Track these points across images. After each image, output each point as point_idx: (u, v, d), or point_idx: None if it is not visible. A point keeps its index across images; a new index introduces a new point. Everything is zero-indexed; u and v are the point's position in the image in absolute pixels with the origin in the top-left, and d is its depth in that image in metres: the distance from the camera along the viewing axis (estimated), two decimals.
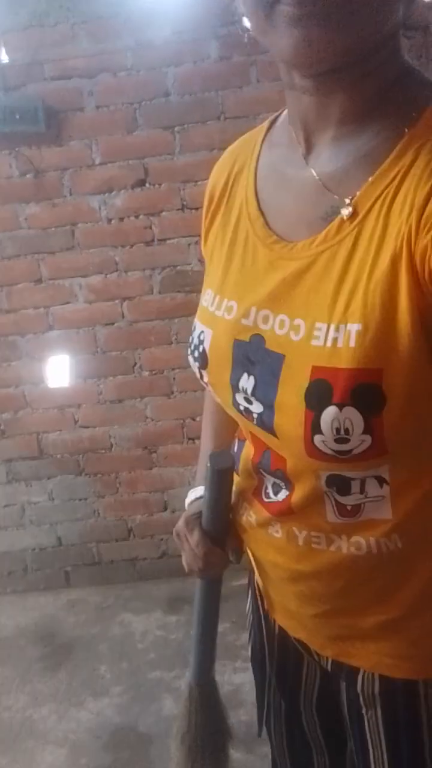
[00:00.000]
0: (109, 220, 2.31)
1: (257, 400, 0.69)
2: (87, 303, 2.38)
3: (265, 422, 0.68)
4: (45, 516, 2.59)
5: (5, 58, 2.14)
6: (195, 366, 0.80)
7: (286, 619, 0.88)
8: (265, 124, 0.81)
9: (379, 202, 0.60)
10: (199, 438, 2.55)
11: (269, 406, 0.67)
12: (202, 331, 0.77)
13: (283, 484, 0.75)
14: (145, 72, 2.19)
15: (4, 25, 2.14)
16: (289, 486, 0.74)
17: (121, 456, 2.53)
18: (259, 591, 0.95)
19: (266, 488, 0.79)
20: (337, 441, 0.62)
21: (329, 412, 0.61)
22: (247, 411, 0.71)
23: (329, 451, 0.63)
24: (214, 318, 0.75)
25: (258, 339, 0.69)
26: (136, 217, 2.31)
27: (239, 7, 0.67)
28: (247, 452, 0.81)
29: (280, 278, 0.67)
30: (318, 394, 0.62)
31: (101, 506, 2.58)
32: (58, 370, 2.42)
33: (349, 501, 0.70)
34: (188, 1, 2.10)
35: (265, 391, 0.67)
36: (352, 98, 0.63)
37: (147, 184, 2.28)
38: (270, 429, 0.68)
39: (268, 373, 0.67)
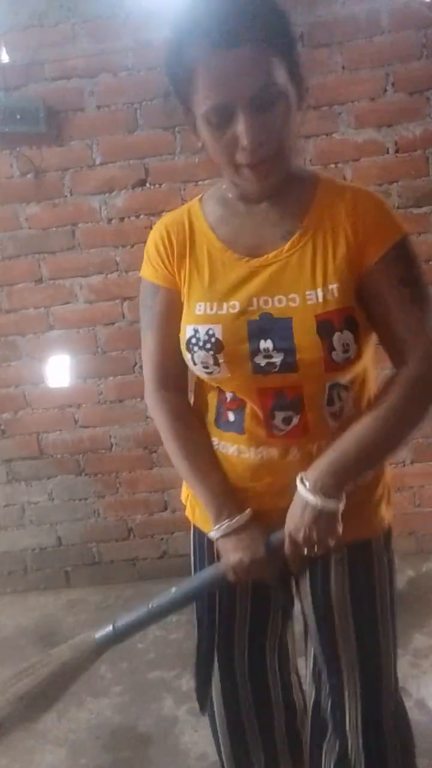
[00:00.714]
0: (110, 220, 2.31)
1: (278, 351, 1.01)
2: (87, 303, 2.38)
3: (289, 363, 1.01)
4: (45, 516, 2.59)
5: (5, 58, 2.14)
6: (208, 354, 1.05)
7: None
8: (195, 202, 1.14)
9: (322, 222, 1.03)
10: None
11: (290, 351, 1.01)
12: (210, 328, 1.05)
13: (294, 413, 1.06)
14: (146, 72, 2.19)
15: (4, 25, 2.14)
16: (300, 411, 1.05)
17: (121, 456, 2.53)
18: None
19: (276, 426, 1.07)
20: (344, 352, 1.01)
21: (336, 337, 1.00)
22: (269, 364, 1.02)
23: (340, 361, 1.01)
24: (219, 316, 1.05)
25: (266, 315, 1.03)
26: (137, 217, 2.31)
27: (207, 147, 1.01)
28: (251, 411, 1.08)
29: (267, 276, 1.04)
30: (325, 329, 1.00)
31: (101, 506, 2.58)
32: (58, 370, 2.42)
33: (335, 406, 1.07)
34: (188, 1, 2.10)
35: (284, 343, 1.01)
36: (278, 188, 1.04)
37: (147, 184, 2.28)
38: (292, 367, 1.01)
39: (283, 331, 1.01)
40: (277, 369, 1.02)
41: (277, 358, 1.01)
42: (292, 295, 1.02)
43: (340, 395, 1.07)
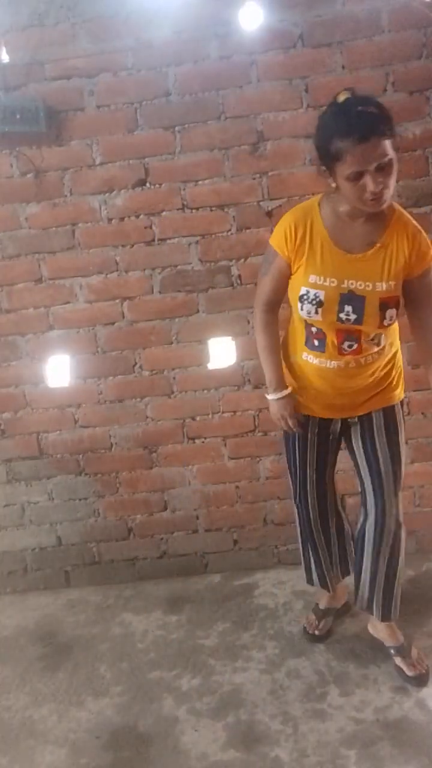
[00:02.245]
0: (110, 220, 2.31)
1: (355, 314, 1.71)
2: (87, 303, 2.38)
3: (358, 321, 1.72)
4: (45, 516, 2.59)
5: (5, 58, 2.14)
6: (312, 307, 1.72)
7: (333, 411, 1.91)
8: (315, 202, 1.76)
9: (392, 242, 1.70)
10: (199, 437, 2.58)
11: (360, 316, 1.71)
12: (317, 292, 1.72)
13: (354, 342, 1.76)
14: (146, 72, 2.19)
15: (4, 25, 2.14)
16: (358, 341, 1.76)
17: (121, 456, 2.53)
18: (303, 415, 1.96)
19: (343, 348, 1.77)
20: (389, 320, 1.73)
21: (388, 312, 1.72)
22: (347, 319, 1.72)
23: (386, 324, 1.73)
24: (323, 286, 1.71)
25: (350, 292, 1.71)
26: (137, 216, 2.31)
27: (341, 188, 1.62)
28: (331, 339, 1.77)
29: (354, 267, 1.70)
30: (383, 306, 1.71)
31: (101, 506, 2.58)
32: (58, 370, 2.42)
33: (376, 340, 1.78)
34: (188, 1, 2.10)
35: (358, 311, 1.71)
36: (362, 212, 1.68)
37: (147, 184, 2.28)
38: (359, 322, 1.72)
39: (359, 303, 1.70)
40: (351, 322, 1.72)
41: (352, 317, 1.71)
42: (368, 283, 1.69)
43: (380, 336, 1.77)
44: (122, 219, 2.31)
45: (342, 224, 1.71)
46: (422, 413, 2.45)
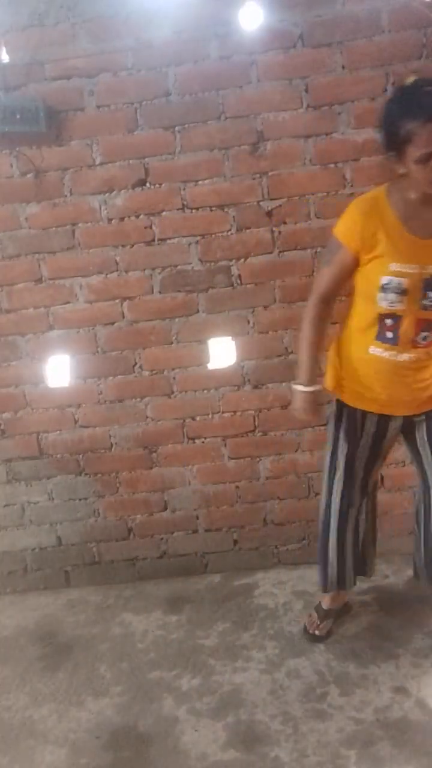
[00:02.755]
0: (110, 220, 2.31)
1: None
2: (87, 303, 2.38)
3: None
4: (45, 516, 2.59)
5: (5, 58, 2.14)
6: (396, 296, 1.71)
7: (399, 407, 1.89)
8: (382, 191, 1.74)
9: None
10: (199, 437, 2.58)
11: None
12: (400, 280, 1.70)
13: (430, 333, 1.75)
14: (146, 72, 2.19)
15: (4, 25, 2.14)
16: None
17: (121, 456, 2.53)
18: (361, 411, 1.94)
19: (418, 341, 1.76)
20: None
21: None
22: (430, 306, 1.70)
23: None
24: (405, 273, 1.69)
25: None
26: (137, 216, 2.31)
27: (412, 172, 1.63)
28: (407, 331, 1.75)
29: (430, 252, 1.69)
30: None
31: (101, 506, 2.58)
32: (58, 370, 2.42)
33: None
34: (188, 1, 2.10)
35: None
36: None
37: (147, 184, 2.28)
38: None
39: None
40: None
41: None
42: None
43: None
44: (122, 219, 2.31)
45: (413, 210, 1.69)
46: None
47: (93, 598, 2.57)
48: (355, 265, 1.77)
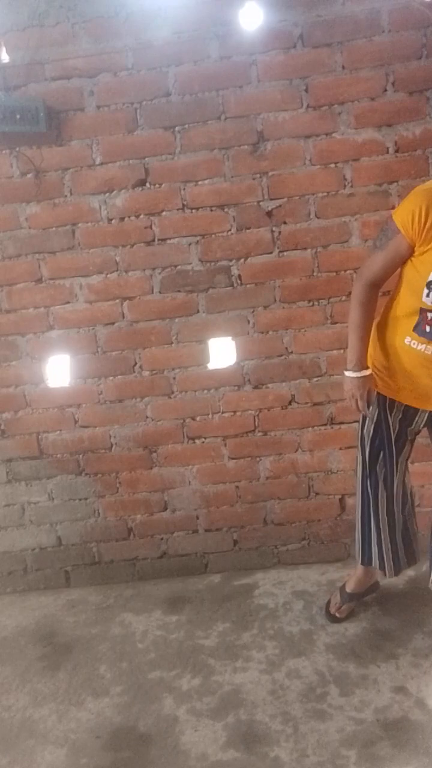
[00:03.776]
0: (110, 220, 2.31)
1: None
2: (87, 303, 2.38)
3: None
4: (45, 516, 2.59)
5: (5, 58, 2.14)
6: None
7: (419, 400, 1.88)
8: None
9: None
10: (199, 437, 2.58)
11: None
12: None
13: None
14: (146, 72, 2.19)
15: (4, 25, 2.14)
16: None
17: (121, 456, 2.53)
18: (390, 400, 1.95)
19: None
20: None
21: None
22: None
23: None
24: None
25: None
26: (137, 217, 2.31)
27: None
28: None
29: None
30: None
31: (101, 506, 2.58)
32: (58, 370, 2.42)
33: None
34: (188, 1, 2.10)
35: None
36: None
37: (147, 184, 2.28)
38: None
39: None
40: None
41: None
42: None
43: None
44: (122, 219, 2.31)
45: None
46: None
47: (93, 598, 2.57)
48: (409, 253, 1.73)
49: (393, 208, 2.25)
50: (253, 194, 2.28)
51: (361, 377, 1.92)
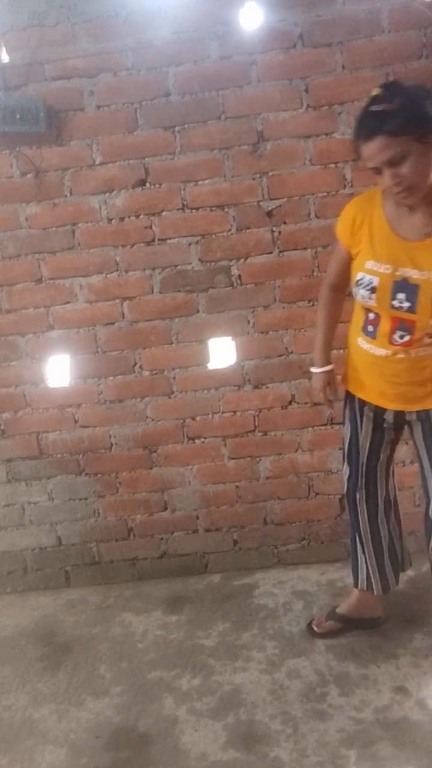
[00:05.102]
0: (110, 220, 2.31)
1: (407, 302, 1.69)
2: (87, 303, 2.38)
3: (413, 309, 1.69)
4: (45, 516, 2.59)
5: (5, 58, 2.14)
6: (367, 292, 1.74)
7: (385, 400, 1.89)
8: (380, 190, 1.72)
9: None
10: (199, 437, 2.59)
11: (414, 304, 1.68)
12: (372, 278, 1.73)
13: (407, 333, 1.73)
14: (146, 72, 2.19)
15: (4, 25, 2.14)
16: (412, 332, 1.72)
17: (121, 456, 2.53)
18: (359, 399, 1.96)
19: (394, 339, 1.76)
20: None
21: None
22: (399, 306, 1.70)
23: None
24: (378, 272, 1.72)
25: (404, 279, 1.69)
26: (137, 217, 2.31)
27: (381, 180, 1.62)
28: (383, 327, 1.77)
29: (410, 255, 1.67)
30: None
31: (101, 506, 2.58)
32: (58, 370, 2.42)
33: (430, 332, 1.71)
34: (188, 1, 2.10)
35: (411, 299, 1.68)
36: (422, 201, 1.63)
37: (147, 184, 2.28)
38: (413, 312, 1.69)
39: (412, 291, 1.68)
40: (405, 310, 1.70)
41: (405, 305, 1.70)
42: (423, 272, 1.66)
43: None
44: (122, 219, 2.31)
45: (402, 212, 1.69)
46: None
47: (93, 598, 2.57)
48: (349, 257, 1.82)
49: None
50: (253, 194, 2.28)
51: (322, 372, 2.04)
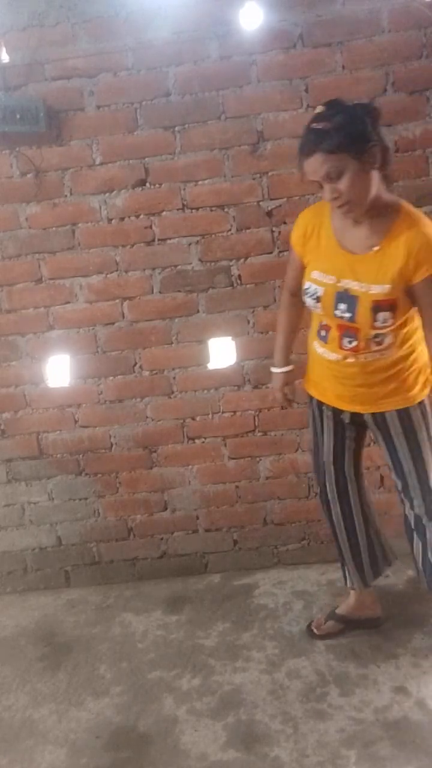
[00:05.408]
0: (110, 220, 2.31)
1: (348, 312, 1.74)
2: (87, 303, 2.38)
3: (353, 319, 1.74)
4: (45, 516, 2.59)
5: (5, 58, 2.14)
6: (312, 300, 1.81)
7: (342, 401, 1.94)
8: (328, 209, 1.78)
9: (391, 246, 1.67)
10: (199, 437, 2.59)
11: (354, 314, 1.73)
12: (317, 288, 1.79)
13: (354, 339, 1.78)
14: (146, 72, 2.19)
15: (4, 25, 2.14)
16: (358, 338, 1.78)
17: (121, 456, 2.53)
18: (318, 400, 2.02)
19: (343, 344, 1.81)
20: (383, 322, 1.72)
21: (380, 314, 1.71)
22: (341, 316, 1.75)
23: (379, 326, 1.72)
24: (323, 282, 1.78)
25: (345, 291, 1.74)
26: (137, 217, 2.31)
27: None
28: (333, 333, 1.82)
29: (353, 268, 1.73)
30: (376, 308, 1.70)
31: (101, 506, 2.58)
32: (58, 370, 2.42)
33: (378, 339, 1.77)
34: (188, 1, 2.10)
35: (351, 309, 1.73)
36: (367, 213, 1.68)
37: (147, 184, 2.28)
38: (353, 321, 1.74)
39: (352, 303, 1.73)
40: (346, 319, 1.76)
41: (347, 315, 1.75)
42: (363, 284, 1.71)
43: (383, 336, 1.77)
44: (122, 219, 2.31)
45: (348, 225, 1.73)
46: None
47: (93, 598, 2.57)
48: (302, 265, 1.88)
49: None
50: (253, 194, 2.28)
51: (281, 372, 2.12)
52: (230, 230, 2.31)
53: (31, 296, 2.38)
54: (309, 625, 2.21)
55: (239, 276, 2.34)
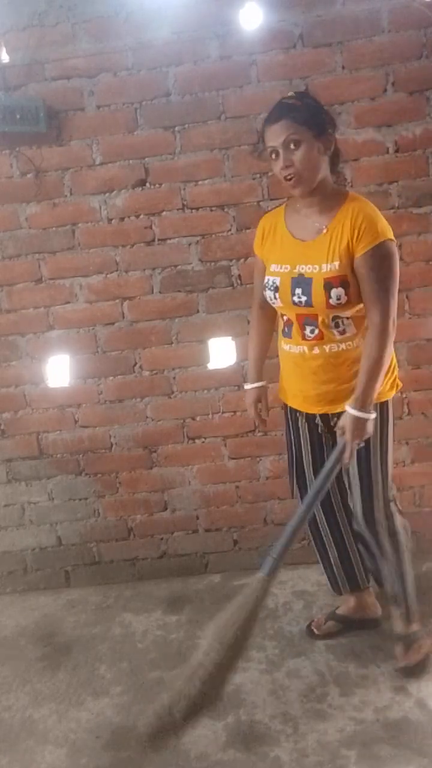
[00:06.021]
0: (110, 220, 2.31)
1: (304, 295, 1.79)
2: (87, 303, 2.38)
3: (309, 302, 1.79)
4: (45, 516, 2.59)
5: (5, 58, 2.14)
6: (272, 293, 1.86)
7: (309, 404, 1.95)
8: (284, 204, 1.92)
9: (338, 226, 1.77)
10: (199, 437, 2.59)
11: (309, 297, 1.79)
12: (275, 279, 1.85)
13: (315, 328, 1.84)
14: (146, 72, 2.19)
15: (4, 25, 2.14)
16: (318, 326, 1.83)
17: (121, 456, 2.53)
18: (291, 408, 2.04)
19: (306, 334, 1.86)
20: (337, 299, 1.76)
21: (333, 291, 1.76)
22: (299, 302, 1.81)
23: (335, 304, 1.77)
24: (279, 273, 1.85)
25: (300, 275, 1.81)
26: (137, 217, 2.31)
27: (271, 168, 1.80)
28: (295, 327, 1.87)
29: (304, 253, 1.80)
30: (328, 286, 1.76)
31: (101, 506, 2.58)
32: (58, 370, 2.42)
33: (340, 328, 1.83)
34: (188, 1, 2.10)
35: (307, 292, 1.79)
36: (316, 197, 1.79)
37: (147, 184, 2.28)
38: (310, 305, 1.79)
39: (307, 285, 1.79)
40: (303, 304, 1.81)
41: (303, 299, 1.80)
42: (314, 266, 1.78)
43: (342, 321, 1.82)
44: (122, 219, 2.31)
45: (299, 216, 1.84)
46: (422, 413, 2.45)
47: (93, 598, 2.57)
48: (265, 269, 1.91)
49: (393, 208, 2.26)
50: (253, 194, 2.28)
51: (252, 388, 2.11)
52: (230, 230, 2.31)
53: (31, 296, 2.38)
54: (309, 625, 2.21)
55: (239, 276, 2.34)
